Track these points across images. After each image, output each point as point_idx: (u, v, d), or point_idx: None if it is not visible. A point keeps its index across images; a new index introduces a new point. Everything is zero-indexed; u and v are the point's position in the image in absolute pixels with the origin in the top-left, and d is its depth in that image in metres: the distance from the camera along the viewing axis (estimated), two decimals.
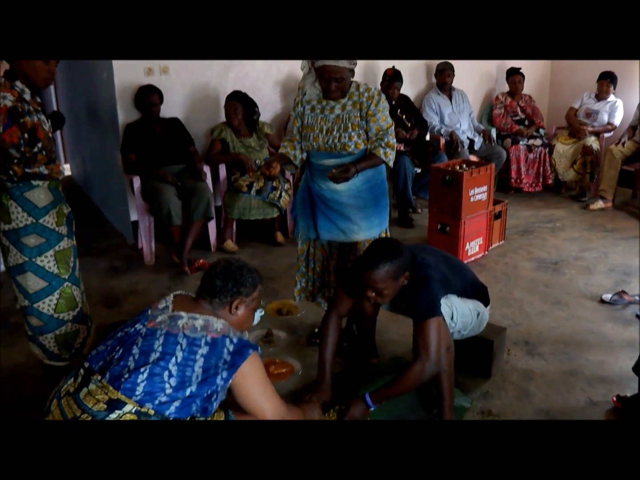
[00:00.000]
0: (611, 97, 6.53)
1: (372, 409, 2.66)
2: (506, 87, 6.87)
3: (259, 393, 2.17)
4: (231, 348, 2.10)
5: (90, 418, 1.99)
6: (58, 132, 8.44)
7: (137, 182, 4.78)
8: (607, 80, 6.43)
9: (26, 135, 2.58)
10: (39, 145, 2.64)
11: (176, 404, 2.01)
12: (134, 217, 5.14)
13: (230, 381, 2.09)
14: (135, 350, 2.07)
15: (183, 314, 2.15)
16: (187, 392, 2.03)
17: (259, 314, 3.83)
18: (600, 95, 6.55)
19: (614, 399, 2.95)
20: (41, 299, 2.79)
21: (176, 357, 2.04)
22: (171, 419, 2.02)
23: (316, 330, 3.61)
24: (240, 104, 5.14)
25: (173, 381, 2.01)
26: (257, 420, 2.16)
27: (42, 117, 2.71)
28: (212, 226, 5.11)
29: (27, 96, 2.64)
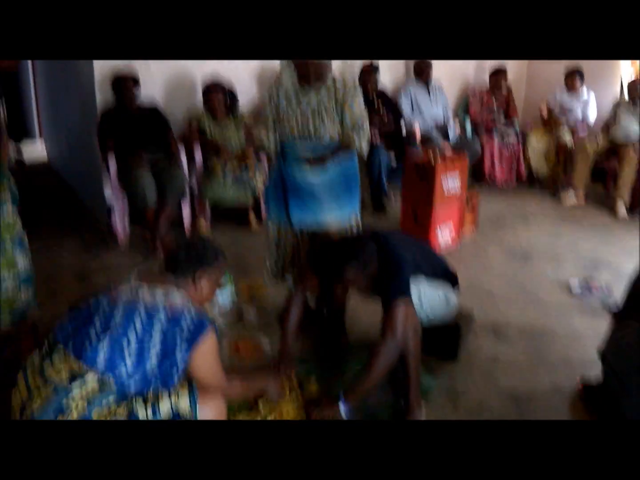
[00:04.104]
0: (584, 93, 6.59)
1: (345, 416, 2.62)
2: (483, 80, 6.94)
3: (208, 369, 2.22)
4: (190, 321, 2.13)
5: (52, 387, 2.01)
6: (34, 112, 8.39)
7: (113, 164, 4.78)
8: (573, 73, 6.49)
9: None
10: None
11: (136, 377, 2.05)
12: (109, 199, 5.12)
13: (188, 355, 2.12)
14: (97, 320, 2.10)
15: (144, 285, 2.20)
16: (148, 366, 2.05)
17: (229, 293, 3.85)
18: (571, 90, 6.59)
19: (579, 378, 3.03)
20: None
21: (135, 325, 2.07)
22: (132, 391, 2.05)
23: None
24: (223, 95, 5.20)
25: (132, 350, 2.04)
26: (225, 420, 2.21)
27: None
28: (186, 209, 5.12)
29: None
